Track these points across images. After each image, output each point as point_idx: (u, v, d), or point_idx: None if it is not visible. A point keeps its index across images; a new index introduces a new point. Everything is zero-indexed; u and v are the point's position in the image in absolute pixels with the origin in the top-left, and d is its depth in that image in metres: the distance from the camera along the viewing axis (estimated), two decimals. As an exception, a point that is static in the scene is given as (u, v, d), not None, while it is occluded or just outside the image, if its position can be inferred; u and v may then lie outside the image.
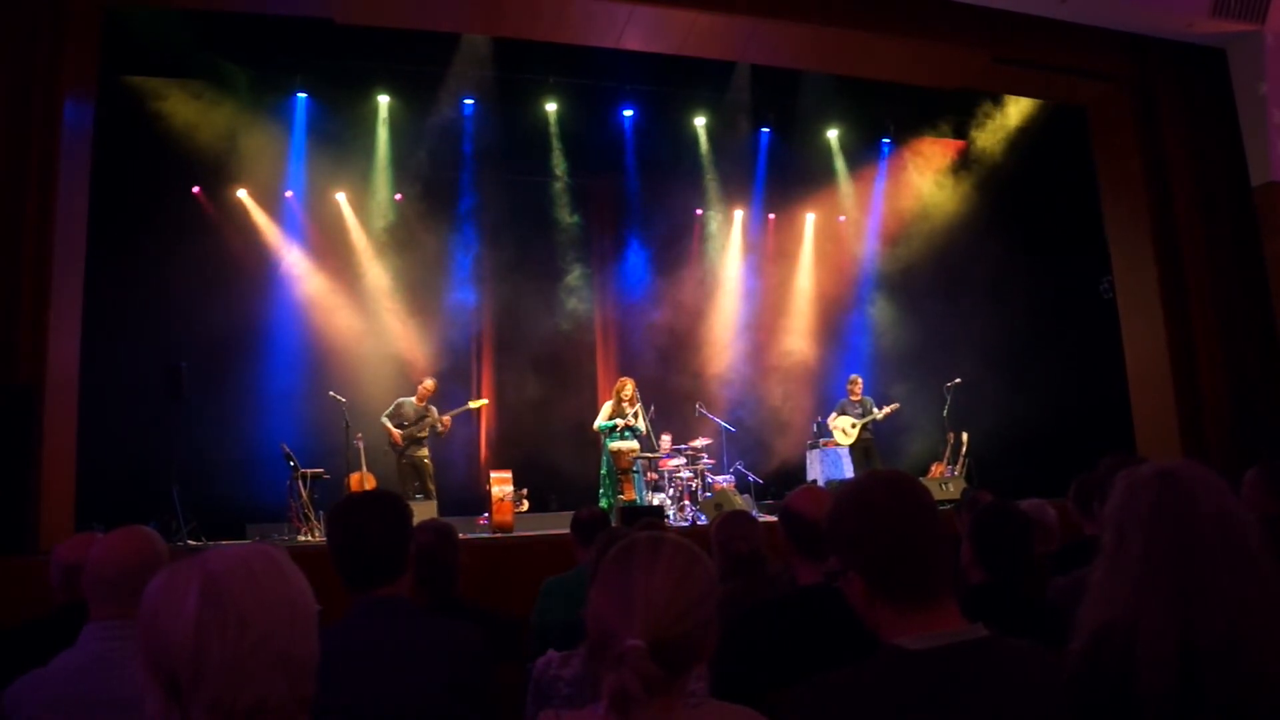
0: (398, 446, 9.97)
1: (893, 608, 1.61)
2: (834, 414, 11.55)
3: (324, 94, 11.18)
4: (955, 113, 12.68)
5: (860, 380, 11.61)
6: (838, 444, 11.50)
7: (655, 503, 10.06)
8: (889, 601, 1.61)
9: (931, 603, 1.61)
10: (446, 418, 10.21)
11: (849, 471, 11.17)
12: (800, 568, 2.73)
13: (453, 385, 11.39)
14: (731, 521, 3.64)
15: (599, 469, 10.43)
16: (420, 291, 11.86)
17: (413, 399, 10.19)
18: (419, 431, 10.06)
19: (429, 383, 10.34)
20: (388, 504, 2.46)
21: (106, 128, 8.64)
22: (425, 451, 10.15)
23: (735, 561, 3.44)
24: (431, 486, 10.03)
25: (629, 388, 10.42)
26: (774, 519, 9.92)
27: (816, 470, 11.46)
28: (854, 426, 11.36)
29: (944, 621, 1.60)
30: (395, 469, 10.00)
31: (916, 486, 1.70)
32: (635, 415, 10.31)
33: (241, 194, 11.32)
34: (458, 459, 11.69)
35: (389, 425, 10.00)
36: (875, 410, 11.38)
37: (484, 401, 11.17)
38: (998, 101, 12.39)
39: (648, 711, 1.35)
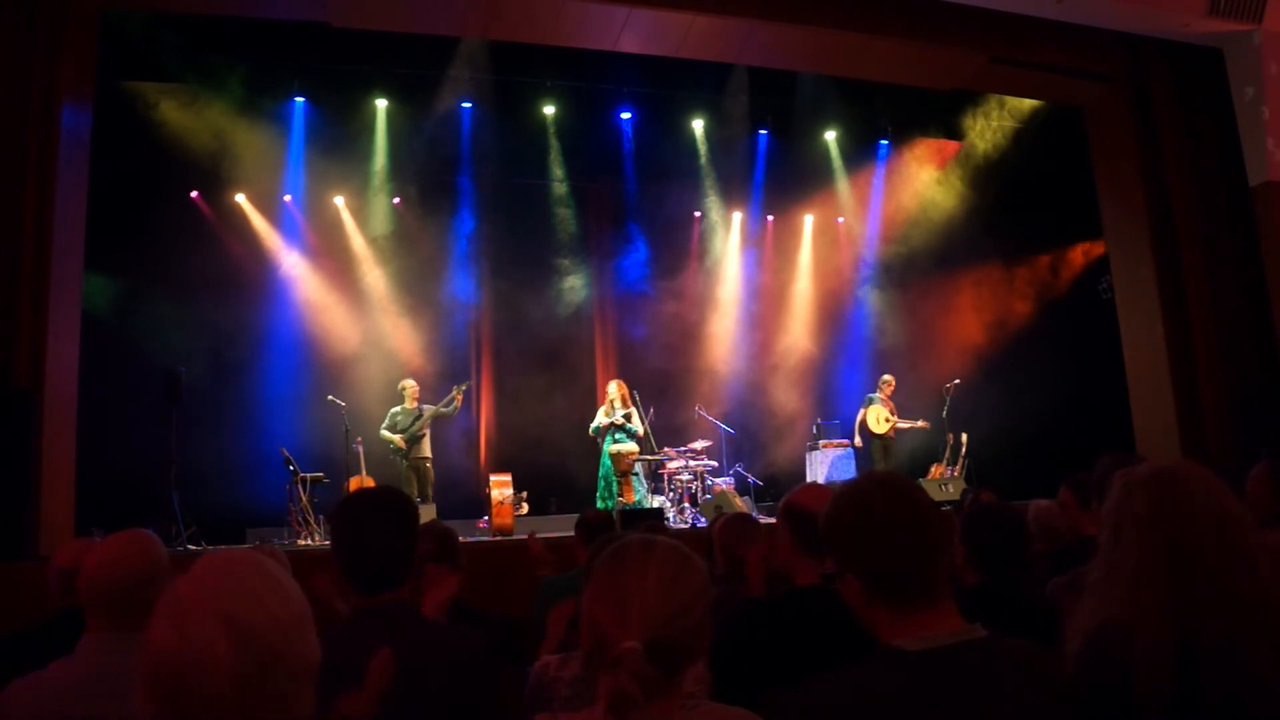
0: (403, 450, 9.97)
1: (890, 609, 1.61)
2: (862, 410, 11.57)
3: (322, 98, 11.16)
4: (952, 113, 12.67)
5: (893, 381, 11.63)
6: (844, 445, 11.53)
7: (655, 505, 10.07)
8: (886, 603, 1.61)
9: (929, 604, 1.61)
10: (452, 409, 10.26)
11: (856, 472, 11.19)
12: (801, 566, 2.72)
13: (453, 388, 11.38)
14: (734, 524, 3.65)
15: (598, 472, 10.45)
16: (419, 295, 11.86)
17: (403, 405, 10.19)
18: (420, 430, 10.06)
19: (410, 384, 10.33)
20: (396, 503, 2.39)
21: (104, 133, 8.64)
22: (428, 453, 10.15)
23: (738, 564, 3.45)
24: (429, 492, 10.04)
25: (614, 388, 10.47)
26: (774, 520, 9.91)
27: (817, 472, 11.46)
28: (886, 420, 11.38)
29: (942, 622, 1.60)
30: (399, 474, 9.97)
31: (912, 487, 1.71)
32: (628, 416, 10.34)
33: (240, 198, 11.32)
34: (457, 462, 11.67)
35: (390, 435, 10.00)
36: (896, 417, 11.45)
37: (467, 384, 10.89)
38: (995, 102, 12.39)
39: (645, 713, 1.35)
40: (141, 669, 1.22)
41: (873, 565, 1.62)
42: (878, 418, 11.40)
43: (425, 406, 10.24)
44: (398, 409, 10.18)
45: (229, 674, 1.18)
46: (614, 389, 10.48)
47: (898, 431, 11.52)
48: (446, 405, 10.26)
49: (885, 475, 1.76)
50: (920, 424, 11.51)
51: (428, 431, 10.19)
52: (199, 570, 1.29)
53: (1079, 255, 13.25)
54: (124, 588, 2.23)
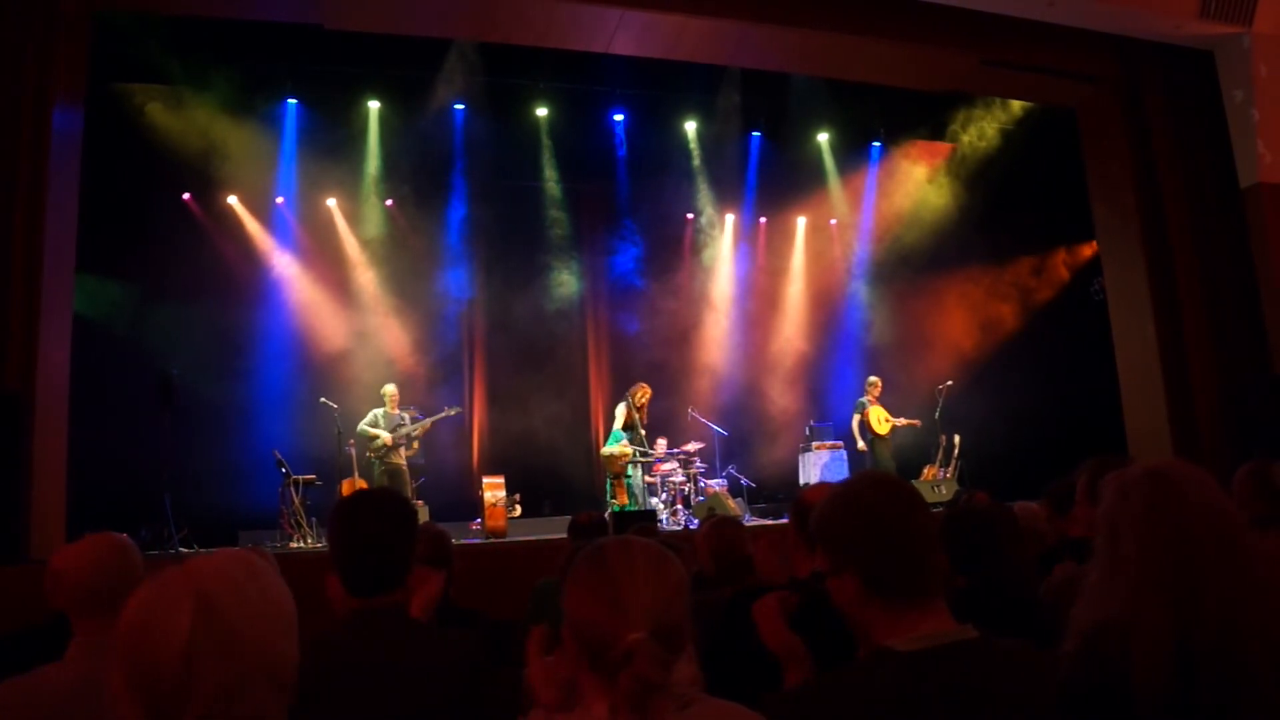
0: (384, 449, 9.85)
1: (886, 608, 1.62)
2: (856, 415, 11.55)
3: (314, 100, 11.14)
4: (944, 115, 12.69)
5: (879, 383, 11.64)
6: (837, 446, 11.53)
7: (648, 507, 10.07)
8: (883, 601, 1.62)
9: (924, 603, 1.62)
10: (421, 429, 10.10)
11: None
12: (802, 560, 2.73)
13: (445, 391, 11.36)
14: (721, 528, 3.65)
15: (604, 476, 10.47)
16: (411, 297, 11.85)
17: (384, 409, 10.00)
18: (399, 438, 9.96)
19: (391, 389, 10.15)
20: (394, 505, 2.37)
21: (96, 135, 8.61)
22: (403, 460, 10.00)
23: (727, 568, 3.45)
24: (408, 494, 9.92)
25: (648, 394, 10.47)
26: (767, 522, 9.90)
27: (810, 474, 11.47)
28: (886, 420, 11.39)
29: (934, 622, 1.61)
30: (373, 478, 9.76)
31: (908, 486, 1.73)
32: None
33: (232, 200, 11.30)
34: (450, 465, 11.66)
35: (377, 431, 9.84)
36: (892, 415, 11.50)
37: (458, 409, 10.74)
38: (987, 104, 12.41)
39: (644, 710, 1.36)
40: (115, 633, 1.23)
41: (873, 563, 1.63)
42: (878, 418, 11.40)
43: (405, 415, 10.08)
44: (379, 411, 10.01)
45: (184, 646, 1.17)
46: (648, 394, 10.49)
47: (892, 430, 11.53)
48: (415, 424, 10.06)
49: (881, 475, 1.78)
50: (913, 422, 11.53)
51: (404, 439, 10.08)
52: (193, 558, 1.30)
53: (1071, 256, 13.30)
54: (91, 582, 2.23)
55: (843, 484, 1.78)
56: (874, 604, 1.63)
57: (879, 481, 1.73)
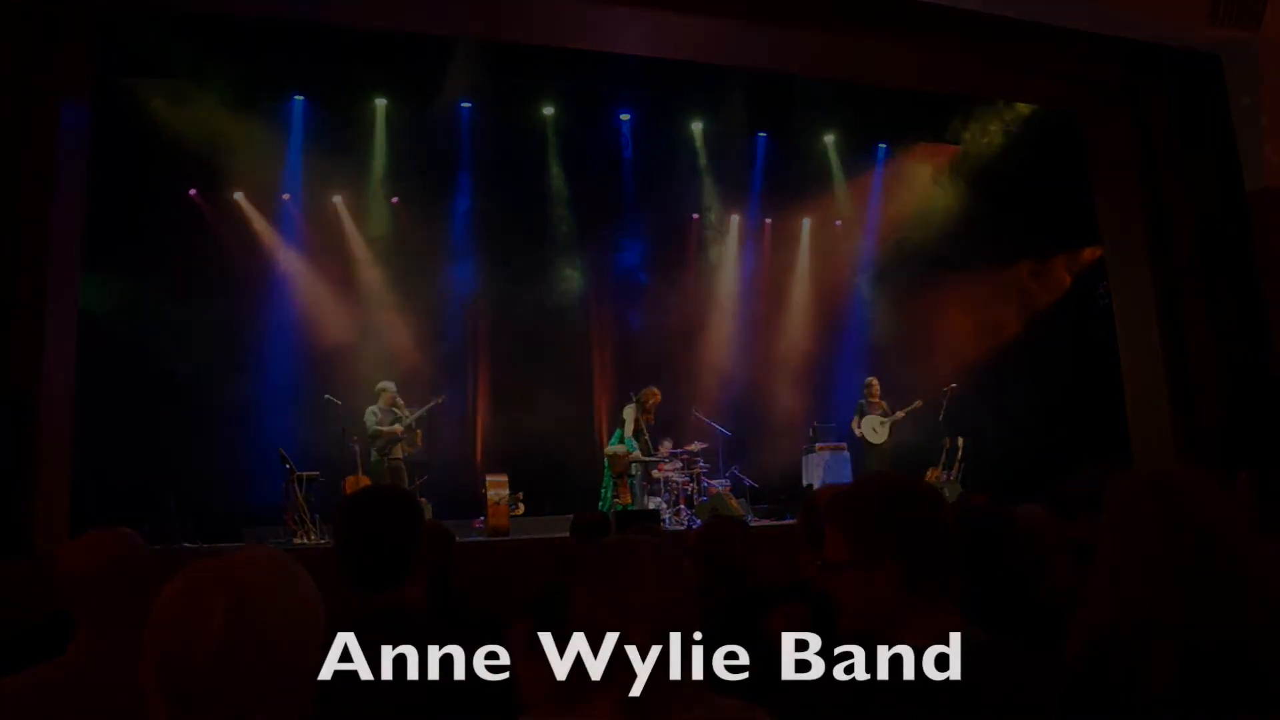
0: (387, 444, 9.86)
1: (917, 603, 1.62)
2: (855, 417, 11.54)
3: (321, 97, 11.16)
4: (950, 117, 12.67)
5: (877, 383, 11.62)
6: (840, 447, 11.52)
7: (651, 507, 10.07)
8: (920, 594, 1.62)
9: (950, 600, 1.63)
10: (400, 428, 10.00)
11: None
12: (809, 559, 2.72)
13: (449, 388, 11.37)
14: (714, 529, 3.62)
15: (602, 474, 10.47)
16: (416, 294, 11.87)
17: (378, 405, 9.92)
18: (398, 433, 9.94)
19: (388, 385, 10.08)
20: (401, 502, 2.38)
21: (102, 130, 8.61)
22: (400, 455, 9.95)
23: (720, 569, 3.42)
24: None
25: (658, 399, 10.52)
26: (769, 522, 9.89)
27: (814, 474, 11.45)
28: (883, 424, 11.37)
29: (949, 623, 1.61)
30: (379, 475, 9.70)
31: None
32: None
33: (238, 197, 11.31)
34: (453, 462, 11.66)
35: (385, 429, 9.85)
36: (889, 417, 11.44)
37: (442, 397, 10.66)
38: (992, 106, 12.39)
39: (654, 708, 1.37)
40: (148, 619, 1.23)
41: (923, 553, 1.63)
42: (873, 428, 11.39)
43: (397, 412, 10.06)
44: (374, 408, 9.95)
45: (218, 642, 1.17)
46: (654, 400, 10.53)
47: (898, 424, 11.50)
48: (396, 422, 9.97)
49: (903, 475, 1.79)
50: (915, 405, 11.50)
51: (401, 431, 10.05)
52: (234, 553, 1.30)
53: (1076, 260, 13.28)
54: (94, 577, 2.22)
55: (878, 474, 1.79)
56: (905, 598, 1.62)
57: (909, 479, 1.75)
